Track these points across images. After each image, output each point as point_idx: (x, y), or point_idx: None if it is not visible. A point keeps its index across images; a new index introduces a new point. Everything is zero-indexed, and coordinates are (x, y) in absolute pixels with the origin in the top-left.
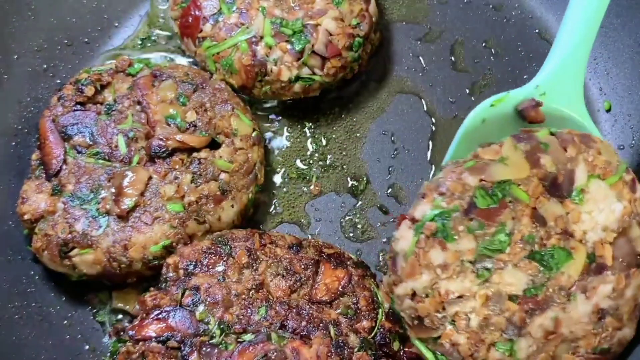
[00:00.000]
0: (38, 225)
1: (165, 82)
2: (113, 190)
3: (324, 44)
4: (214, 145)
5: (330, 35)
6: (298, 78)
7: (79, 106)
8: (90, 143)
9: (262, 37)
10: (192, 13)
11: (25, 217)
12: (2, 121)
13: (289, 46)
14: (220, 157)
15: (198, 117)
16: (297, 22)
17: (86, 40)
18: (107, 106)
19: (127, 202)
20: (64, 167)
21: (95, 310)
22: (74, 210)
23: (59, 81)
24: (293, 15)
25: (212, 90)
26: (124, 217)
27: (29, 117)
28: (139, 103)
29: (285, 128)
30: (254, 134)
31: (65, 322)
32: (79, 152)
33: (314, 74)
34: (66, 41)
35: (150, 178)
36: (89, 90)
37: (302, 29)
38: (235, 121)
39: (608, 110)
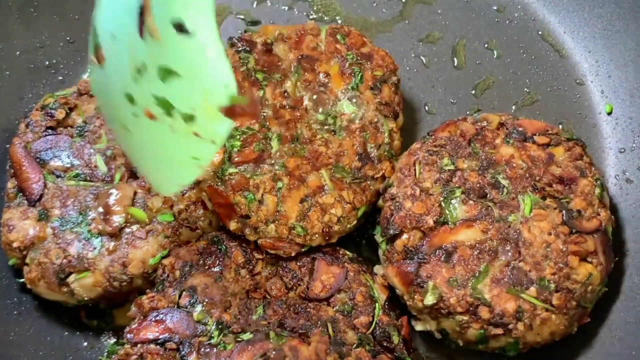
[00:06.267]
0: (29, 255)
1: None
2: (101, 210)
3: None
4: None
5: None
6: None
7: (49, 131)
8: (68, 166)
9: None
10: None
11: (14, 245)
12: (3, 116)
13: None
14: None
15: None
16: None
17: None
18: (79, 128)
19: (117, 220)
20: (46, 191)
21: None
22: (65, 235)
23: (60, 78)
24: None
25: None
26: (116, 235)
27: (29, 114)
28: None
29: None
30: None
31: (64, 318)
32: (57, 177)
33: None
34: (68, 38)
35: (135, 193)
36: (60, 114)
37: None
38: None
39: (609, 113)
